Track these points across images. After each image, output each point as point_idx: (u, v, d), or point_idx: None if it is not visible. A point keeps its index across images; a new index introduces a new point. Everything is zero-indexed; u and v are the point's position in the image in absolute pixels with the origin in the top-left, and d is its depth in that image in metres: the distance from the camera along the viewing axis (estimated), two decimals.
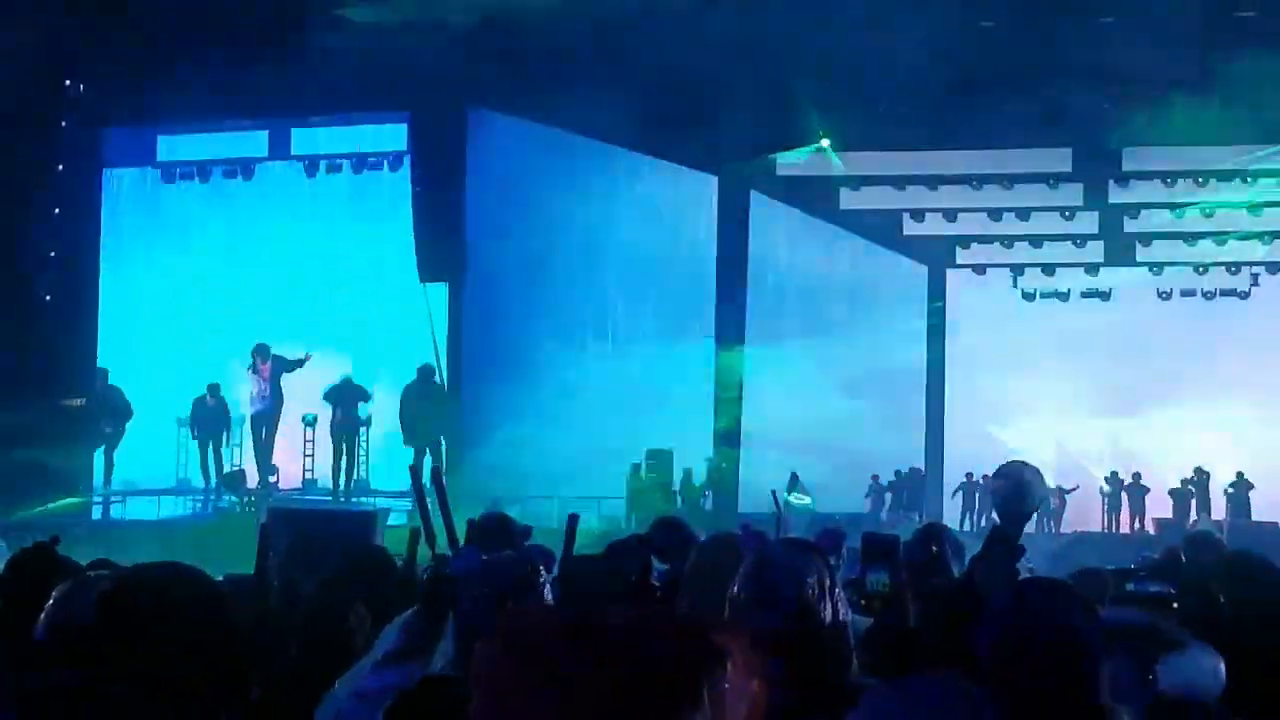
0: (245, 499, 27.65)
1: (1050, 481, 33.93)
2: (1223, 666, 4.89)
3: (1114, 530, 34.00)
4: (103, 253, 31.13)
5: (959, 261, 38.76)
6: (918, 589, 6.67)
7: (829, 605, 4.86)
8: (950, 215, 35.49)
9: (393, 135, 31.99)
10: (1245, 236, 34.67)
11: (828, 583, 4.84)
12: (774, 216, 34.74)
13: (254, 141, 33.35)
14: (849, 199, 34.87)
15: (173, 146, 33.92)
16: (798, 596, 4.74)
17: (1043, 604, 4.38)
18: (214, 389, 30.13)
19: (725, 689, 3.45)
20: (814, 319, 36.11)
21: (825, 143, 31.10)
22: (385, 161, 32.49)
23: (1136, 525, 33.71)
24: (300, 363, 29.27)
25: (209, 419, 30.03)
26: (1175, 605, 7.08)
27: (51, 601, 5.21)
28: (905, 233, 36.84)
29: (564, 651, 3.57)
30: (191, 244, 33.46)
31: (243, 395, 30.16)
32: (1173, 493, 34.35)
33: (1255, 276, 36.62)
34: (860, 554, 6.09)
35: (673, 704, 3.24)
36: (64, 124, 29.92)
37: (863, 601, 5.85)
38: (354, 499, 28.13)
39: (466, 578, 5.46)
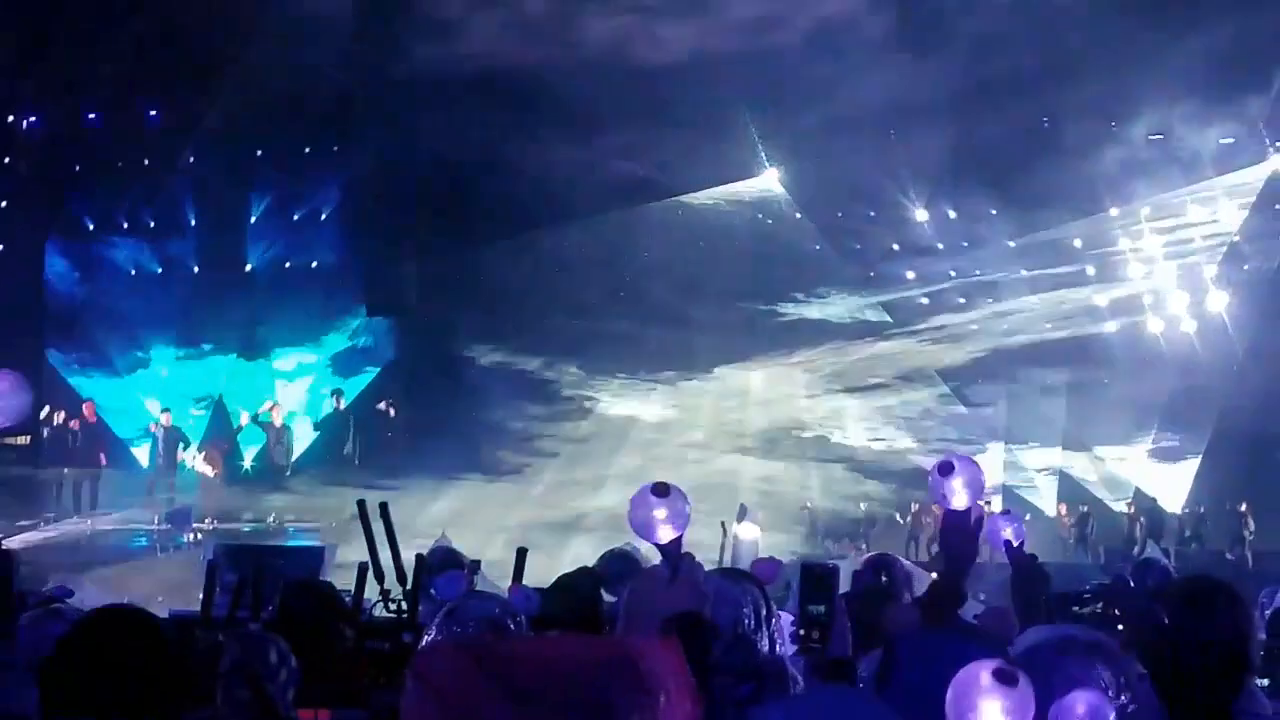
0: (192, 536, 27.49)
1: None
2: None
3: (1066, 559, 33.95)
4: None
5: None
6: (865, 618, 6.64)
7: (765, 636, 4.82)
8: None
9: None
10: None
11: (764, 612, 4.80)
12: None
13: None
14: None
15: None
16: (733, 626, 4.70)
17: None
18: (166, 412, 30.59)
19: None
20: None
21: None
22: None
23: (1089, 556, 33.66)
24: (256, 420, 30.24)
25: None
26: (1120, 626, 7.09)
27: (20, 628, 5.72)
28: None
29: (478, 685, 3.56)
30: None
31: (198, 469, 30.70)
32: (1122, 519, 34.40)
33: None
34: (799, 584, 6.03)
35: None
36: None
37: (801, 631, 5.79)
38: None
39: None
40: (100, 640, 4.40)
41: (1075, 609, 7.27)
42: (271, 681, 6.06)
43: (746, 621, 4.68)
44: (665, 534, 6.10)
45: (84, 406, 30.80)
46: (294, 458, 32.19)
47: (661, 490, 6.07)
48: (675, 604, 5.52)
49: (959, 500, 6.13)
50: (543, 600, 6.84)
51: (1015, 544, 7.11)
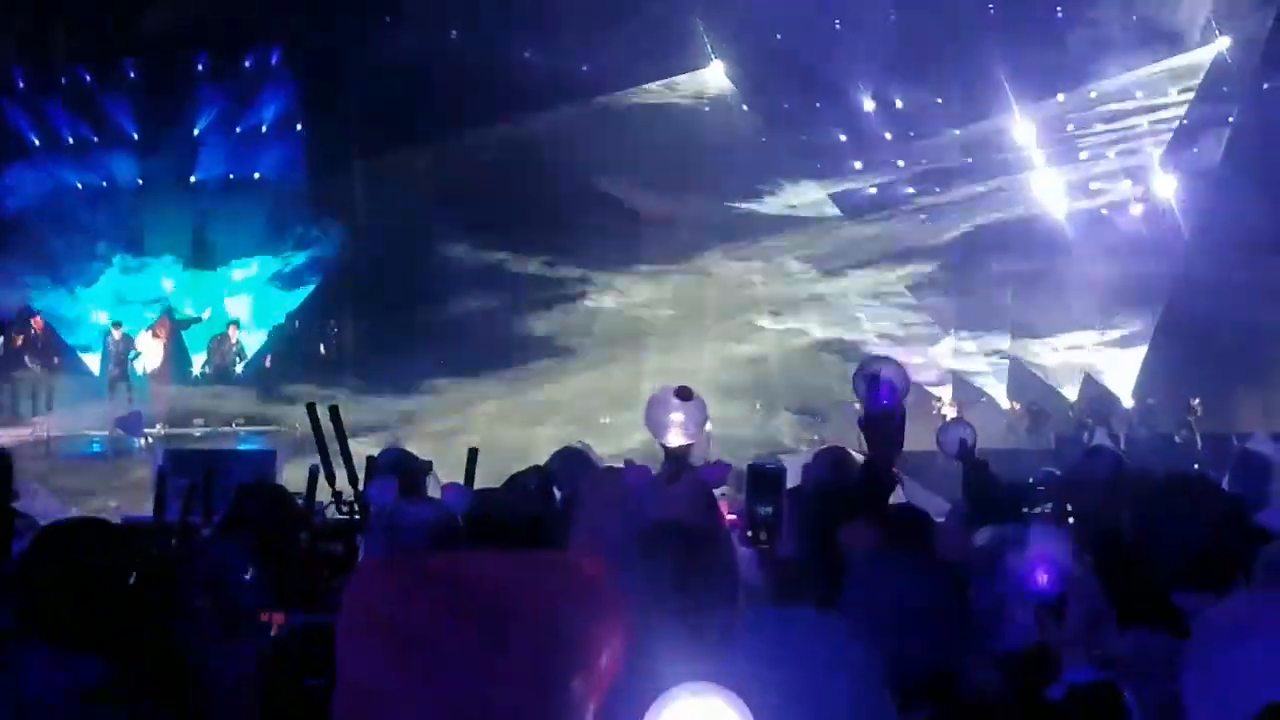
0: (143, 440, 27.42)
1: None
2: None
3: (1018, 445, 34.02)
4: None
5: None
6: (820, 510, 6.66)
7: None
8: None
9: None
10: None
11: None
12: None
13: None
14: None
15: None
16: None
17: None
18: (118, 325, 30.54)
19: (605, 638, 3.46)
20: None
21: None
22: None
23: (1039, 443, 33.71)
24: (197, 321, 30.12)
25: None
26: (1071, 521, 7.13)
27: None
28: None
29: (420, 604, 3.56)
30: None
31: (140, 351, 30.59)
32: (1073, 407, 34.55)
33: None
34: (747, 485, 6.04)
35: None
36: None
37: (749, 533, 5.79)
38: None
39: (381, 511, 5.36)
40: (63, 554, 4.40)
41: (1025, 509, 7.29)
42: (231, 589, 6.05)
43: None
44: (675, 438, 6.13)
45: (32, 320, 30.76)
46: (242, 365, 32.17)
47: (685, 394, 6.09)
48: (669, 509, 5.54)
49: (884, 401, 6.22)
50: (491, 497, 6.83)
51: (967, 447, 7.15)
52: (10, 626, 4.35)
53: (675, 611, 4.23)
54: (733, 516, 7.61)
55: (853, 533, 5.91)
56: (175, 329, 30.32)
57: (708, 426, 22.85)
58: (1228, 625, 3.82)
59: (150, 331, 30.40)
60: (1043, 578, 4.54)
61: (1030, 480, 9.14)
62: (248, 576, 6.25)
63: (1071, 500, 6.94)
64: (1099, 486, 7.20)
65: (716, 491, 6.45)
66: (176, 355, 31.99)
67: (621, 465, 7.10)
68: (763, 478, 5.97)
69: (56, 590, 4.30)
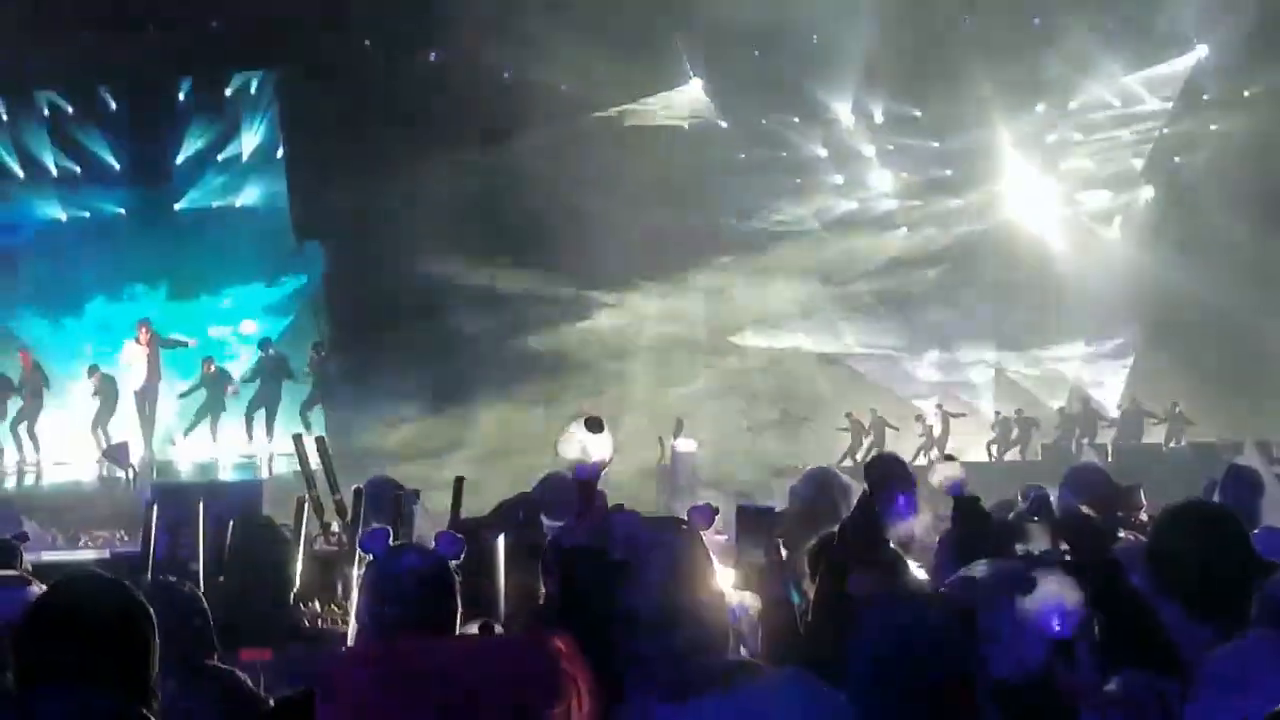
0: (129, 473, 27.39)
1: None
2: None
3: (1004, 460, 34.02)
4: None
5: None
6: (803, 535, 6.66)
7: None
8: None
9: None
10: None
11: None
12: None
13: None
14: None
15: None
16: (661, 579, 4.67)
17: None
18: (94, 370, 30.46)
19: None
20: None
21: None
22: None
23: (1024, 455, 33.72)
24: (183, 344, 30.04)
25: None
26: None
27: None
28: None
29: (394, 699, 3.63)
30: None
31: (125, 364, 30.39)
32: (1059, 414, 34.58)
33: None
34: (735, 526, 6.02)
35: None
36: None
37: (737, 574, 5.78)
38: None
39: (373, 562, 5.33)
40: (72, 609, 4.41)
41: (1019, 546, 7.30)
42: (185, 634, 6.04)
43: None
44: (588, 470, 6.12)
45: (20, 356, 30.57)
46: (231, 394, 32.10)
47: (595, 426, 6.08)
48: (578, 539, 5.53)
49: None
50: (476, 530, 6.82)
51: (960, 491, 7.14)
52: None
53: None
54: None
55: (860, 582, 5.89)
56: (158, 343, 30.15)
57: (693, 446, 22.90)
58: (1230, 674, 3.85)
59: (134, 340, 30.20)
60: (1057, 625, 4.59)
61: (1019, 496, 9.09)
62: (197, 623, 6.26)
63: (1067, 540, 6.94)
64: (1092, 528, 7.21)
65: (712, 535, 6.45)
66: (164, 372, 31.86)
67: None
68: (753, 518, 5.95)
69: (69, 643, 4.31)
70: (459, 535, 5.36)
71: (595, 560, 4.66)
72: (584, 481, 6.03)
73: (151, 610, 4.39)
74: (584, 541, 5.12)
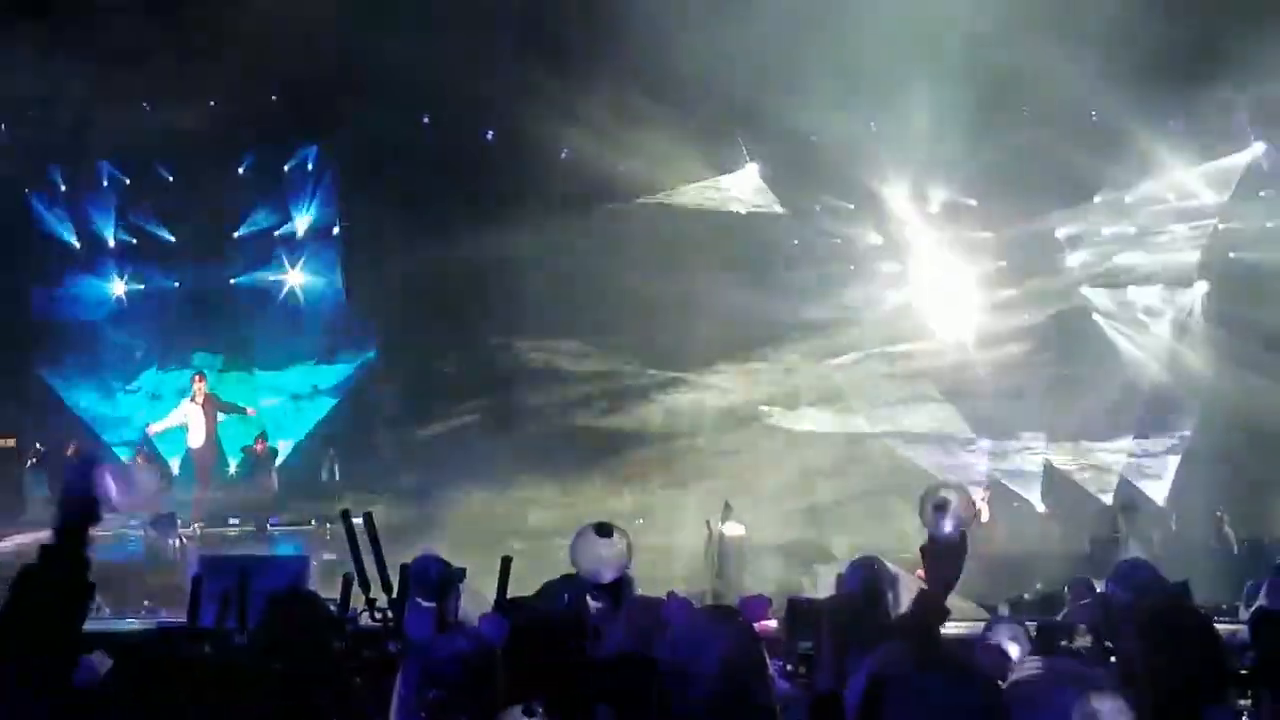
0: (177, 541, 27.44)
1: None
2: None
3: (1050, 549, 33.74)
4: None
5: None
6: (851, 624, 6.65)
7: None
8: None
9: None
10: None
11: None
12: None
13: None
14: None
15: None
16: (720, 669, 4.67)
17: None
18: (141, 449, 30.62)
19: None
20: None
21: None
22: None
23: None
24: (241, 411, 30.22)
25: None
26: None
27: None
28: None
29: None
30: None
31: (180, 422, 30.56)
32: (1106, 511, 34.32)
33: None
34: (786, 619, 6.06)
35: None
36: None
37: (788, 667, 5.81)
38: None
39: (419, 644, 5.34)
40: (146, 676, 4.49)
41: (1064, 643, 7.30)
42: None
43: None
44: (608, 575, 6.13)
45: (70, 448, 30.35)
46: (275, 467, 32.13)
47: (605, 531, 6.10)
48: (616, 643, 5.53)
49: (949, 528, 6.21)
50: (524, 611, 6.83)
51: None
52: None
53: None
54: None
55: (887, 653, 5.89)
56: (215, 405, 30.31)
57: (740, 530, 22.82)
58: None
59: (189, 399, 30.34)
60: None
61: (1064, 589, 9.10)
62: None
63: (1110, 639, 6.93)
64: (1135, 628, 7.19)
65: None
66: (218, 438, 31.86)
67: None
68: (803, 612, 6.01)
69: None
70: (504, 618, 5.37)
71: (641, 668, 4.67)
72: (602, 588, 6.05)
73: None
74: (625, 644, 5.14)
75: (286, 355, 34.91)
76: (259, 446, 31.69)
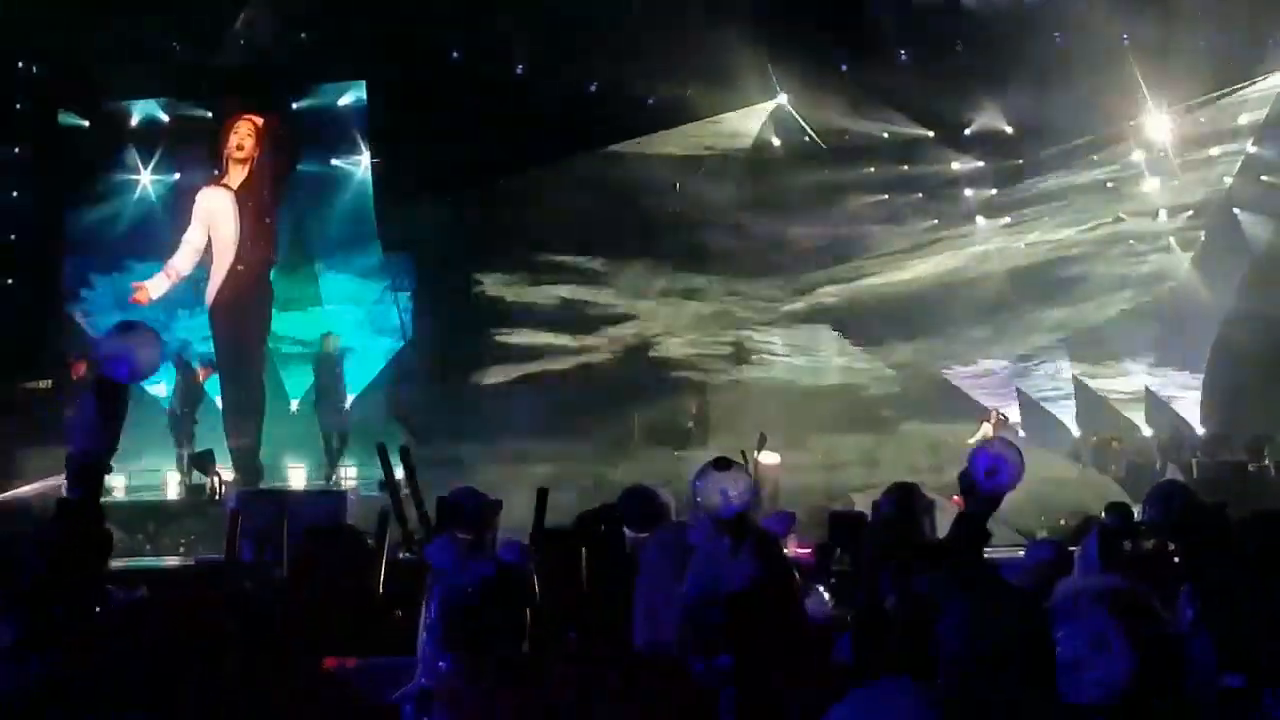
0: (214, 479, 27.34)
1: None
2: None
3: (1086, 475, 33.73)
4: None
5: None
6: (888, 546, 6.67)
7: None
8: None
9: None
10: None
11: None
12: None
13: None
14: None
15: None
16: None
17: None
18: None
19: None
20: None
21: None
22: None
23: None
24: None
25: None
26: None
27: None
28: None
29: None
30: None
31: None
32: (1142, 439, 34.32)
33: None
34: (829, 530, 6.09)
35: None
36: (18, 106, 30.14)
37: (831, 580, 5.85)
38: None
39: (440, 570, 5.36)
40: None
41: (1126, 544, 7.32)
42: None
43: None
44: (733, 508, 6.15)
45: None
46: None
47: (723, 465, 6.12)
48: (736, 581, 5.56)
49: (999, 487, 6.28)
50: (559, 539, 6.86)
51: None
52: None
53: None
54: (805, 551, 7.61)
55: (937, 577, 5.90)
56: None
57: (776, 460, 22.71)
58: None
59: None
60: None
61: (1102, 514, 9.10)
62: None
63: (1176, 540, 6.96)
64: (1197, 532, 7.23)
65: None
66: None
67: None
68: (843, 525, 6.03)
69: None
70: (523, 544, 5.40)
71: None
72: (728, 521, 6.06)
73: None
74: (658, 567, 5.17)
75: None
76: (330, 344, 30.66)
